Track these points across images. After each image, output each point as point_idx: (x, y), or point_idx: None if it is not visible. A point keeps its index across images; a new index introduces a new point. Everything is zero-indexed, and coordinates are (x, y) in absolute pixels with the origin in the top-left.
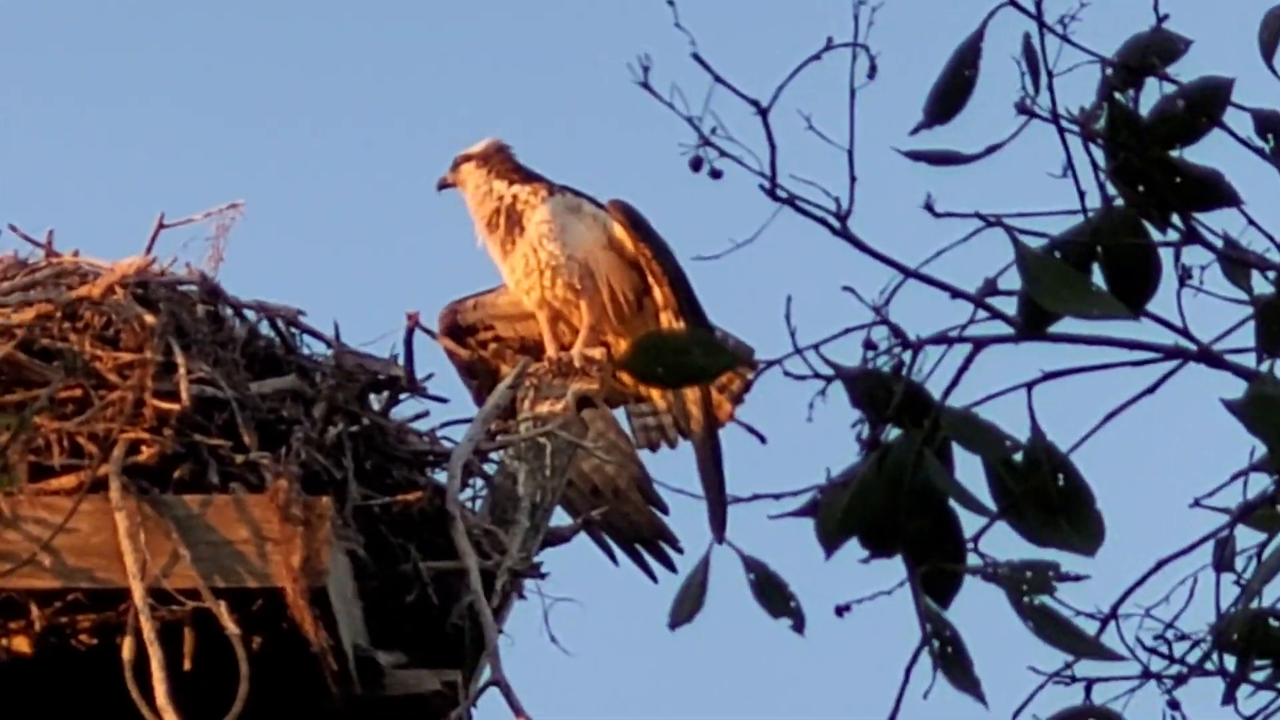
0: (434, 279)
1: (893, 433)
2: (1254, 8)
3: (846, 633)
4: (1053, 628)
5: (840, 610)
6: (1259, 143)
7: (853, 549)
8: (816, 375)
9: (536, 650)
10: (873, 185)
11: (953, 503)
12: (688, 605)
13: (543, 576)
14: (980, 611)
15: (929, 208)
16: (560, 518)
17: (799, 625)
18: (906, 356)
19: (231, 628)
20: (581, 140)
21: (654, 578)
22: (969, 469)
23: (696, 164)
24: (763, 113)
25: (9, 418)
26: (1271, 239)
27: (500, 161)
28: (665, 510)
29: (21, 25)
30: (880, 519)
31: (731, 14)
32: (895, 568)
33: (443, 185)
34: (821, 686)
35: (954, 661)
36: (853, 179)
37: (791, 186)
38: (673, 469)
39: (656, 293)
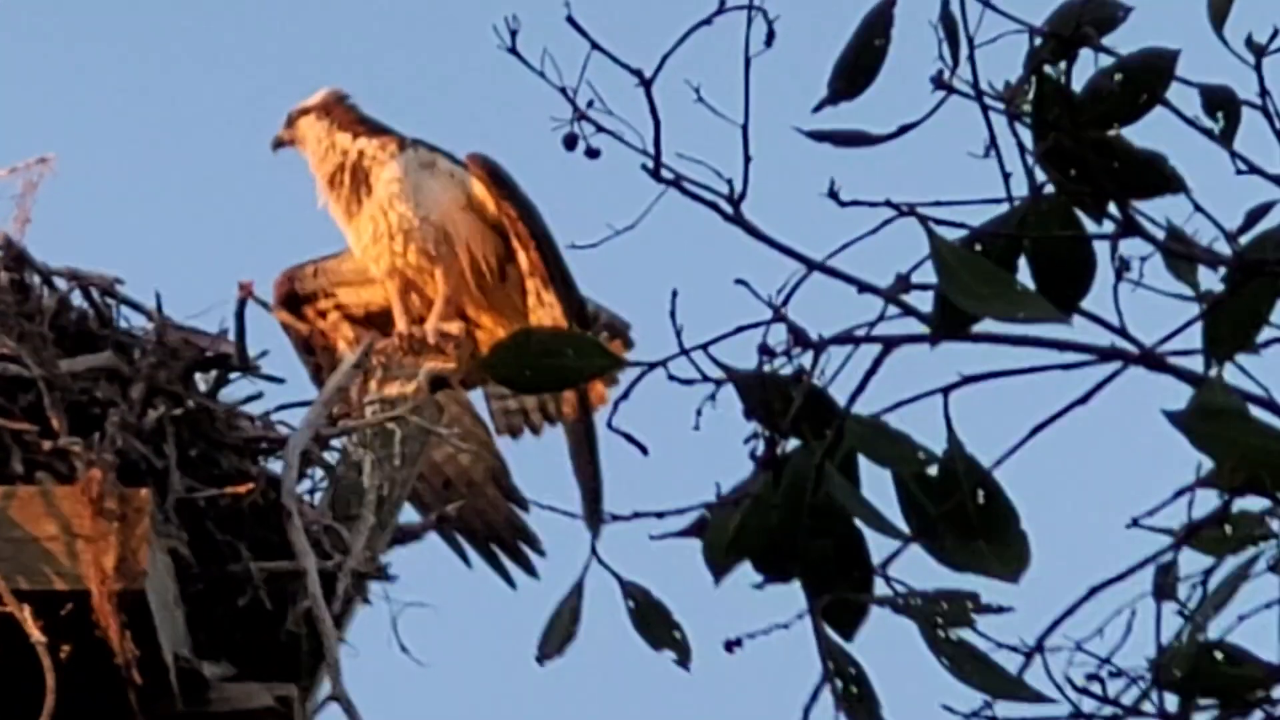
0: (269, 243)
1: (791, 444)
2: None
3: (738, 667)
4: (971, 664)
5: (730, 645)
6: (1206, 122)
7: (745, 573)
8: (705, 379)
9: (383, 661)
10: (770, 166)
11: (859, 523)
12: (558, 636)
13: (390, 579)
14: (889, 645)
15: (834, 195)
16: (410, 514)
17: (684, 659)
18: (807, 358)
19: (36, 635)
20: (438, 113)
21: (512, 583)
22: (878, 485)
23: (571, 141)
24: (646, 83)
25: None
26: (1220, 229)
27: (342, 112)
28: (525, 507)
29: None
30: (776, 541)
31: None
32: (793, 595)
33: (278, 144)
34: None
35: (859, 702)
36: (747, 159)
37: (678, 166)
38: (538, 460)
39: (522, 258)
